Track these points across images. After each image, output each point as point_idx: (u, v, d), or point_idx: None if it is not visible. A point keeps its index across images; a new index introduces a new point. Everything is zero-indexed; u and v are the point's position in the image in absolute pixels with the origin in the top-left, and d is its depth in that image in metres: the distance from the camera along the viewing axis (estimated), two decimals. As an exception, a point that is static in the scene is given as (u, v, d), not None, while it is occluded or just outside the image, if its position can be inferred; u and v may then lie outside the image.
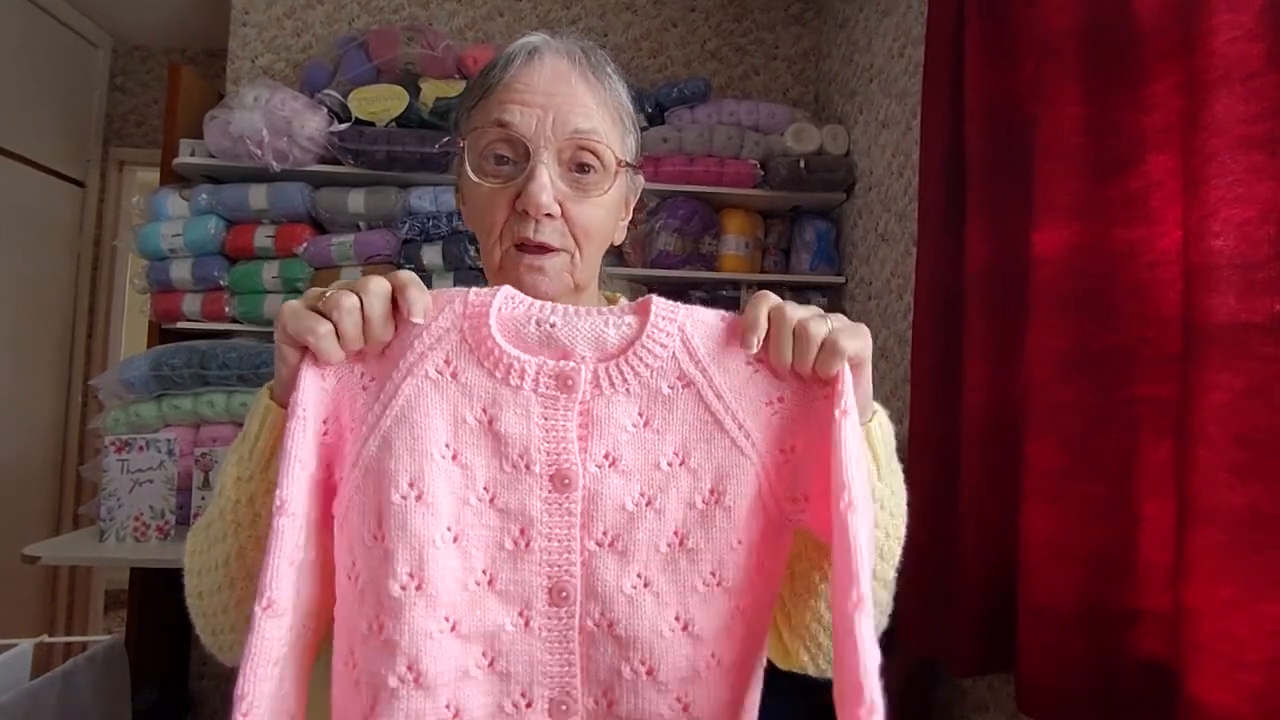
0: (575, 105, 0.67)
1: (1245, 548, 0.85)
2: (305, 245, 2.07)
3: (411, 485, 0.50)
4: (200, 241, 2.06)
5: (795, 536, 0.57)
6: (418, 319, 0.52)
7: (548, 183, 0.64)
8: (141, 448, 1.76)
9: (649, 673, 0.52)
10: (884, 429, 0.60)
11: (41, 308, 2.86)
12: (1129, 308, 1.10)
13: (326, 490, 0.53)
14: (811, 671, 0.64)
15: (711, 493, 0.53)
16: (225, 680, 2.46)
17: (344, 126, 2.09)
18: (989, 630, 1.28)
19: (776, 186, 2.25)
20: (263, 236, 2.08)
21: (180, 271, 2.08)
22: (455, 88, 2.15)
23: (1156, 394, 1.07)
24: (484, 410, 0.52)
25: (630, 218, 0.77)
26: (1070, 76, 1.16)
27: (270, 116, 2.01)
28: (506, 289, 0.55)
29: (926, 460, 1.47)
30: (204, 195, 2.07)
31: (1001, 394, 1.31)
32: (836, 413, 0.51)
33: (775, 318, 0.54)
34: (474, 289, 0.55)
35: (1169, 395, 1.02)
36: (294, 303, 0.53)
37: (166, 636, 2.29)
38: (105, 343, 3.12)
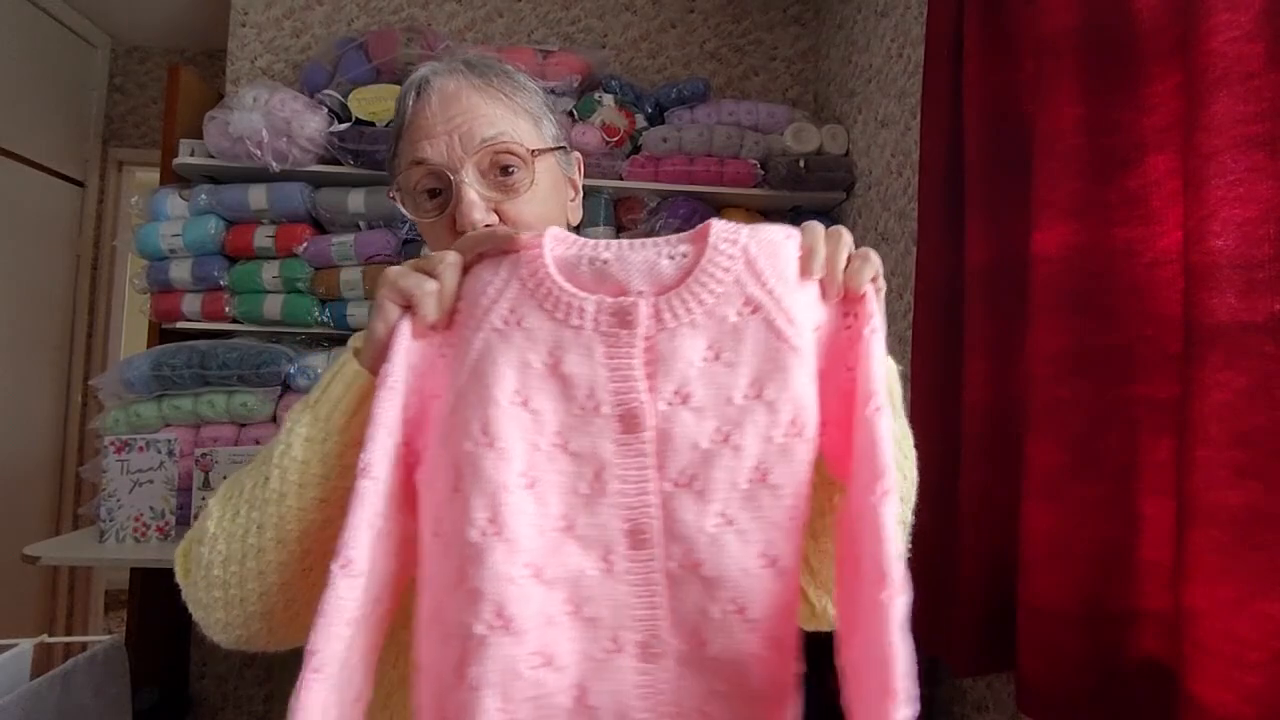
0: (474, 118, 0.70)
1: (1246, 547, 0.85)
2: (305, 245, 2.07)
3: (483, 432, 0.49)
4: (200, 241, 2.06)
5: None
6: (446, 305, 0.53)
7: (475, 198, 0.68)
8: (141, 448, 1.76)
9: (738, 612, 0.50)
10: (893, 369, 0.60)
11: (41, 308, 2.86)
12: (1129, 307, 1.10)
13: (407, 462, 0.53)
14: (832, 627, 0.64)
15: (791, 424, 0.51)
16: (225, 680, 2.46)
17: (344, 126, 2.09)
18: (989, 630, 1.28)
19: (776, 186, 2.25)
20: (263, 236, 2.08)
21: (180, 271, 2.08)
22: (455, 88, 2.15)
23: (1156, 394, 1.07)
24: (549, 354, 0.51)
25: (579, 195, 0.81)
26: (1070, 76, 1.16)
27: (270, 117, 2.01)
28: (553, 229, 0.54)
29: (926, 460, 1.46)
30: (204, 195, 2.07)
31: (1001, 394, 1.31)
32: (866, 330, 0.51)
33: (815, 229, 0.54)
34: (524, 233, 0.54)
35: (1169, 395, 1.02)
36: (399, 266, 0.56)
37: (166, 636, 2.29)
38: (105, 343, 3.12)
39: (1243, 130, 0.87)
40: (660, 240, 0.53)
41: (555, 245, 0.53)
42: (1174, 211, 1.03)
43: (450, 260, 0.54)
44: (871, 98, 2.18)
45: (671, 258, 0.52)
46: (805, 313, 0.52)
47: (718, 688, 0.50)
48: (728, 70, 2.63)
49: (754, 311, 0.51)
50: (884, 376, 0.50)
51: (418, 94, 0.72)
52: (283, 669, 2.43)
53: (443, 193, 0.70)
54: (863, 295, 0.52)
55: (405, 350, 0.52)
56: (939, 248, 1.49)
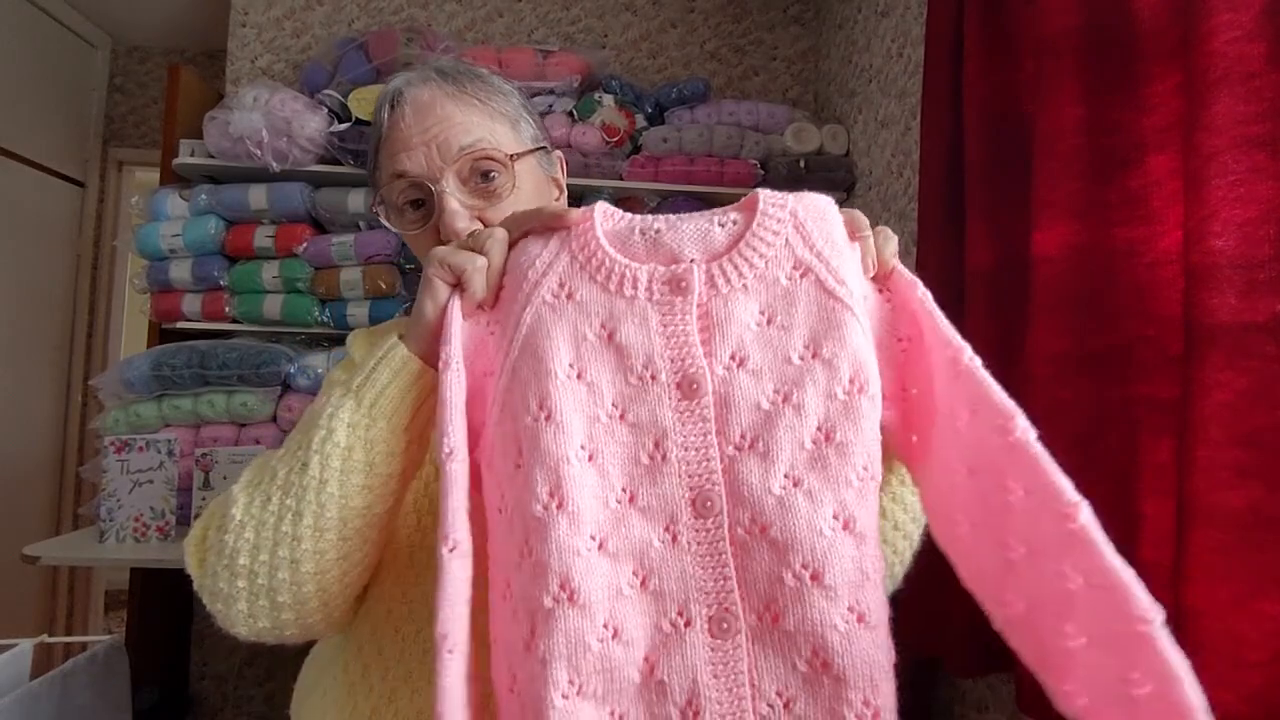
0: (450, 127, 0.70)
1: (1246, 548, 0.85)
2: (305, 245, 2.07)
3: (540, 406, 0.49)
4: (200, 241, 2.06)
5: None
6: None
7: (457, 207, 0.69)
8: (141, 448, 1.76)
9: (814, 577, 0.47)
10: None
11: (41, 308, 2.86)
12: (1129, 307, 1.10)
13: (469, 439, 0.53)
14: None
15: (852, 381, 0.50)
16: (225, 680, 2.46)
17: (344, 126, 2.09)
18: (989, 630, 1.27)
19: (777, 186, 2.21)
20: (263, 236, 2.08)
21: (180, 271, 2.08)
22: (455, 88, 2.15)
23: (1157, 394, 1.07)
24: (602, 325, 0.51)
25: (563, 194, 0.81)
26: (1070, 76, 1.16)
27: (270, 117, 2.01)
28: (602, 204, 0.55)
29: (927, 460, 1.47)
30: (204, 195, 2.07)
31: (1002, 394, 1.31)
32: (919, 294, 0.53)
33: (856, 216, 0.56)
34: (574, 209, 0.55)
35: (1169, 395, 1.02)
36: (446, 246, 0.56)
37: (166, 636, 2.30)
38: (105, 343, 3.12)
39: (1243, 130, 0.87)
40: (712, 211, 0.54)
41: (605, 220, 0.53)
42: (1174, 211, 1.03)
43: (499, 236, 0.55)
44: (871, 98, 2.18)
45: (722, 225, 0.53)
46: (854, 276, 0.52)
47: (798, 666, 0.48)
48: (728, 70, 2.63)
49: (804, 274, 0.52)
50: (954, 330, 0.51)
51: (392, 106, 0.72)
52: (283, 669, 2.43)
53: (425, 203, 0.71)
54: (891, 270, 0.54)
55: (459, 329, 0.52)
56: (939, 248, 1.49)
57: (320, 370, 1.97)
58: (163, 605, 2.24)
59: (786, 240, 0.52)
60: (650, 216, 0.54)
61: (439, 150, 0.70)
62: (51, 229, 2.91)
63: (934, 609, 1.39)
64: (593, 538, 0.48)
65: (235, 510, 0.57)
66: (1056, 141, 1.16)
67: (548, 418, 0.49)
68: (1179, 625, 0.91)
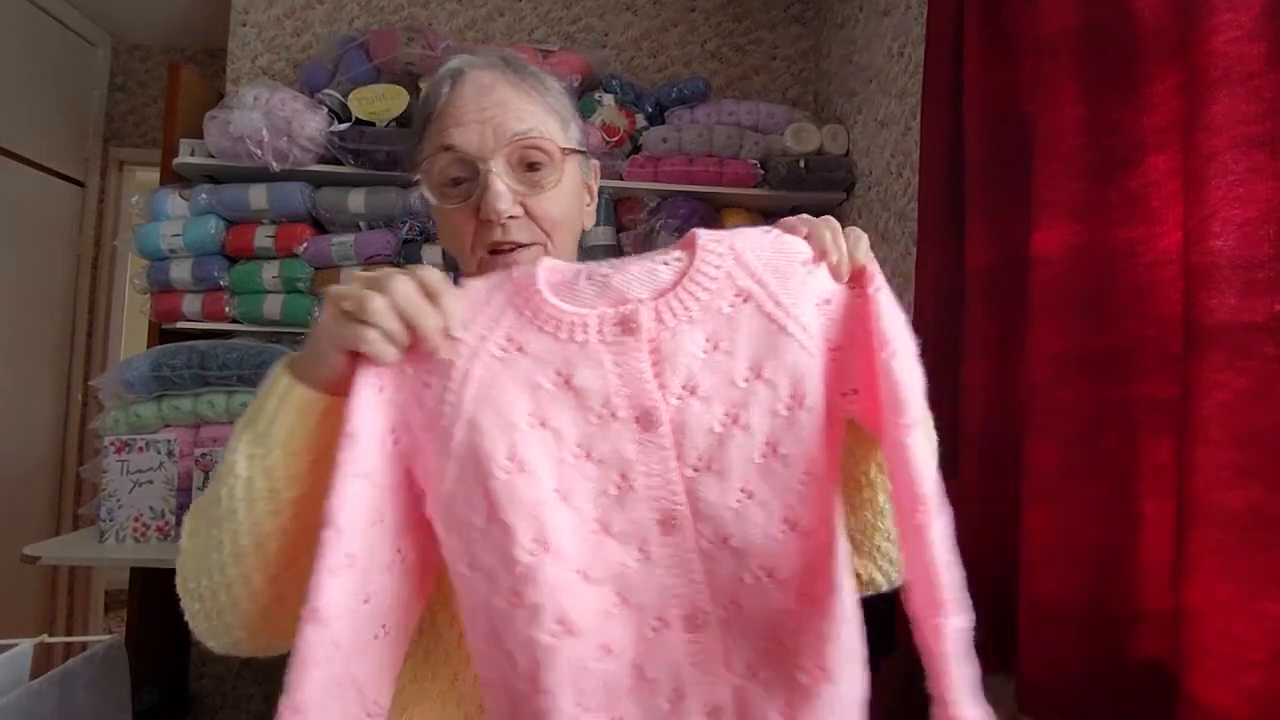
0: (509, 111, 0.70)
1: (1246, 548, 0.85)
2: (305, 245, 2.07)
3: (510, 459, 0.52)
4: (200, 241, 2.06)
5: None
6: (458, 333, 0.53)
7: (503, 189, 0.68)
8: (141, 448, 1.76)
9: (769, 575, 0.54)
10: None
11: (41, 308, 2.86)
12: (1129, 307, 1.10)
13: (411, 495, 0.55)
14: (884, 587, 0.68)
15: (792, 397, 0.55)
16: (225, 680, 2.46)
17: (344, 126, 2.09)
18: (989, 630, 1.27)
19: (776, 186, 2.25)
20: (263, 236, 2.08)
21: (180, 271, 2.08)
22: (455, 88, 2.15)
23: (1156, 394, 1.07)
24: (557, 373, 0.54)
25: (594, 201, 0.81)
26: (1070, 76, 1.15)
27: (270, 116, 2.00)
28: (547, 261, 0.58)
29: (926, 460, 1.46)
30: (204, 195, 2.07)
31: (1001, 394, 1.31)
32: (871, 289, 0.56)
33: (812, 220, 0.60)
34: (515, 267, 0.57)
35: (1169, 395, 1.02)
36: (327, 316, 0.54)
37: (166, 636, 2.29)
38: (105, 343, 3.12)
39: (1243, 130, 0.87)
40: (655, 252, 0.57)
41: (550, 274, 0.56)
42: (1174, 212, 1.03)
43: (382, 309, 0.52)
44: (871, 98, 2.18)
45: (667, 264, 0.56)
46: (799, 297, 0.56)
47: (761, 645, 0.55)
48: (728, 70, 2.63)
49: (745, 300, 0.55)
50: (900, 324, 0.55)
51: (452, 83, 0.72)
52: (282, 670, 2.42)
53: (467, 181, 0.70)
54: (863, 267, 0.58)
55: (370, 397, 0.52)
56: (939, 248, 1.49)
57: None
58: (163, 605, 2.23)
59: (728, 272, 0.56)
60: (597, 263, 0.57)
61: (493, 131, 0.69)
62: (51, 229, 2.91)
63: (934, 609, 1.39)
64: (578, 571, 0.53)
65: (183, 539, 0.62)
66: (1056, 141, 1.16)
67: (520, 469, 0.52)
68: (1179, 625, 0.91)
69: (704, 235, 0.57)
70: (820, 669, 0.55)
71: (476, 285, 0.57)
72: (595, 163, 0.83)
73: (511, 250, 0.70)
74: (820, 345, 0.56)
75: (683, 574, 0.54)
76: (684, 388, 0.54)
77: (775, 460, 0.54)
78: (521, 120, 0.70)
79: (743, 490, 0.54)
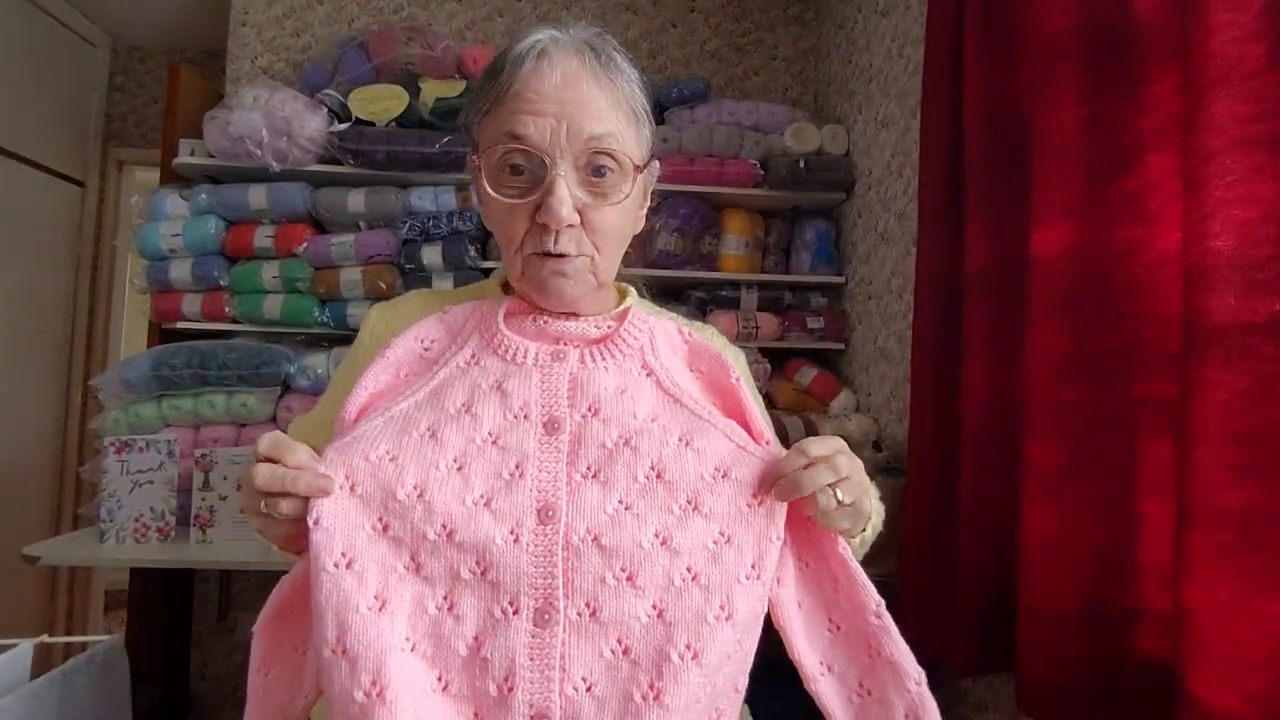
0: (588, 111, 0.66)
1: (1245, 548, 0.86)
2: (305, 245, 2.07)
3: (428, 429, 0.62)
4: (200, 241, 2.06)
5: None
6: (321, 470, 0.59)
7: (567, 195, 0.65)
8: (141, 448, 1.76)
9: (629, 579, 0.58)
10: (740, 356, 0.80)
11: (41, 308, 2.86)
12: (1129, 308, 1.10)
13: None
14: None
15: (681, 440, 0.63)
16: (225, 681, 2.46)
17: (344, 126, 2.09)
18: (989, 630, 1.28)
19: (776, 186, 2.25)
20: (263, 236, 2.08)
21: (180, 271, 2.08)
22: (455, 88, 2.15)
23: (1156, 394, 1.07)
24: (495, 381, 0.66)
25: (648, 203, 0.77)
26: (1069, 76, 1.16)
27: (270, 116, 2.00)
28: (508, 299, 0.70)
29: (926, 460, 1.47)
30: (204, 195, 2.07)
31: (1001, 394, 1.31)
32: (841, 548, 0.64)
33: (816, 452, 0.62)
34: (488, 300, 0.71)
35: (1169, 395, 1.02)
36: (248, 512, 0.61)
37: (166, 636, 2.29)
38: (105, 343, 3.12)
39: (1243, 131, 0.87)
40: (590, 316, 0.70)
41: (510, 307, 0.70)
42: (1174, 212, 1.03)
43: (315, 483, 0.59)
44: (871, 98, 2.18)
45: (598, 327, 0.69)
46: (688, 386, 0.67)
47: (604, 654, 0.58)
48: (728, 70, 2.63)
49: (649, 375, 0.67)
50: (870, 590, 0.62)
51: (535, 61, 0.66)
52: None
53: (529, 173, 0.66)
54: (830, 534, 0.63)
55: (317, 530, 0.59)
56: (939, 248, 1.49)
57: (320, 370, 1.97)
58: (163, 605, 2.24)
59: (641, 347, 0.68)
60: (545, 316, 0.70)
61: (569, 130, 0.65)
62: (51, 229, 2.91)
63: (934, 609, 1.39)
64: (444, 526, 0.58)
65: None
66: (1056, 141, 1.16)
67: (432, 436, 0.62)
68: (1179, 625, 0.91)
69: (634, 313, 0.70)
70: (655, 690, 0.56)
71: (456, 311, 0.70)
72: (656, 165, 0.77)
73: (561, 258, 0.66)
74: (710, 412, 0.65)
75: (544, 566, 0.58)
76: (589, 409, 0.64)
77: (659, 484, 0.61)
78: (601, 123, 0.66)
79: (621, 502, 0.60)
